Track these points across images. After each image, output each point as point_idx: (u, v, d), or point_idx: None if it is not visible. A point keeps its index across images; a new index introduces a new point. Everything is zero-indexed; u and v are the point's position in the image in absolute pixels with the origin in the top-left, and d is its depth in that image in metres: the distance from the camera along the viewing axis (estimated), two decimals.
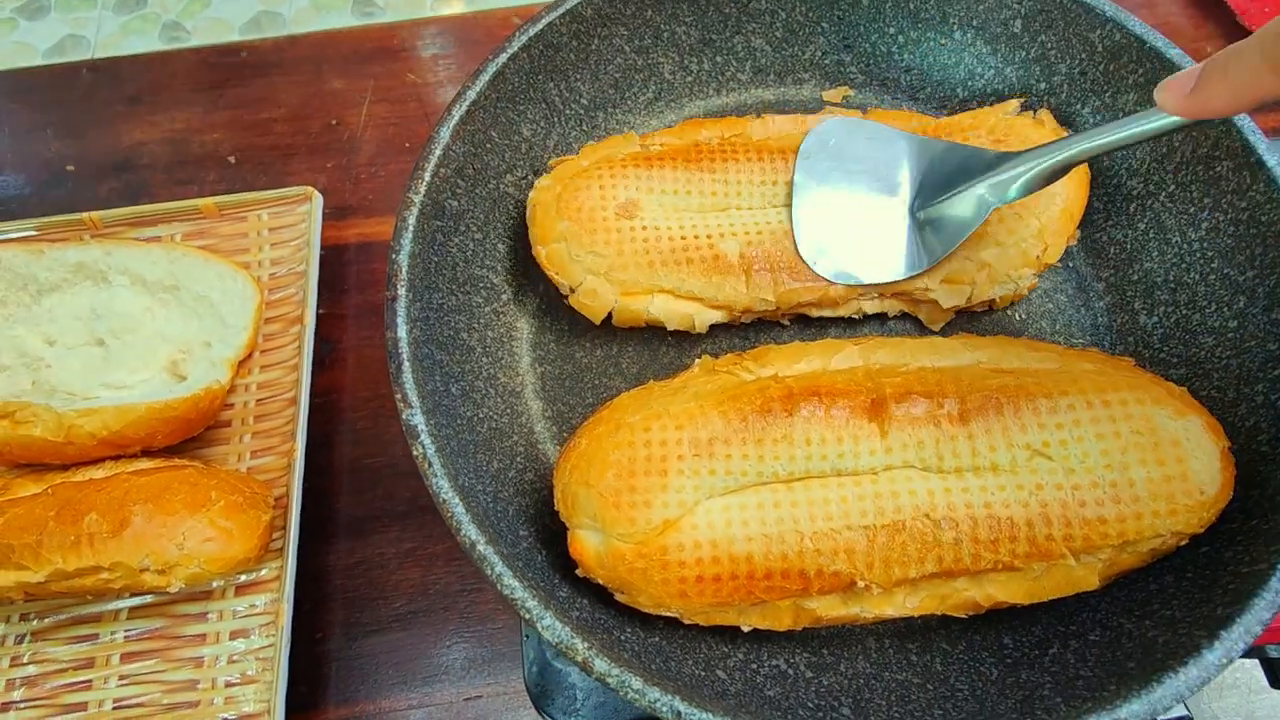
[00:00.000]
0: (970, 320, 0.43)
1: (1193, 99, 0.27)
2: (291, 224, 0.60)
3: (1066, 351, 0.36)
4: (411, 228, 0.34)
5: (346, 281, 0.61)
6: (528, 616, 0.27)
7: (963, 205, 0.38)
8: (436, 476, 0.29)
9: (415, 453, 0.30)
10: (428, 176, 0.35)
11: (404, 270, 0.33)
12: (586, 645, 0.27)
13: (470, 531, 0.28)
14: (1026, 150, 0.36)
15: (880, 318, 0.42)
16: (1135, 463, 0.31)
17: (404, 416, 0.30)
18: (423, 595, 0.50)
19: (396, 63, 0.70)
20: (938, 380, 0.34)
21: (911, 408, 0.33)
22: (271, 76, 0.69)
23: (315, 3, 1.48)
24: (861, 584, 0.32)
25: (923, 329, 0.43)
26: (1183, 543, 0.32)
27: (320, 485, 0.53)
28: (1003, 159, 0.37)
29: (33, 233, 0.59)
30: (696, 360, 0.38)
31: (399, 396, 0.31)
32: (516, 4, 1.58)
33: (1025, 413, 0.33)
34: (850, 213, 0.41)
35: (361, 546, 0.52)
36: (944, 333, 0.42)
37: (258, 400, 0.55)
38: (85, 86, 0.69)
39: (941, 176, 0.40)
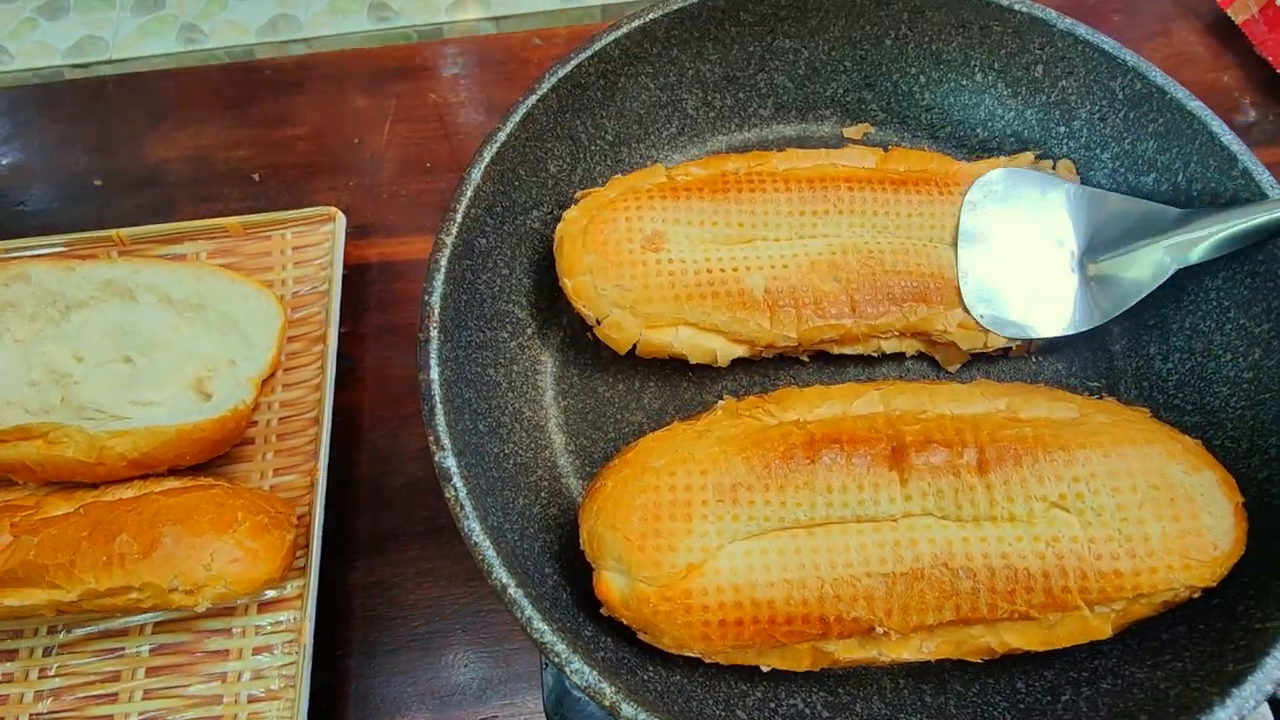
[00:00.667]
0: (986, 363, 0.43)
1: None
2: (315, 243, 0.61)
3: (1085, 402, 0.36)
4: (443, 269, 0.34)
5: (367, 300, 0.62)
6: (557, 660, 0.28)
7: (1139, 265, 0.38)
8: (468, 519, 0.30)
9: (448, 495, 0.30)
10: (459, 218, 0.36)
11: (436, 312, 0.33)
12: (614, 690, 0.28)
13: (501, 575, 0.29)
14: (1214, 210, 0.36)
15: (898, 357, 0.43)
16: (1151, 517, 0.32)
17: (436, 459, 0.31)
18: (439, 615, 0.51)
19: (418, 82, 0.71)
20: (957, 429, 0.35)
21: (931, 456, 0.33)
22: (295, 94, 0.70)
23: (332, 6, 1.49)
24: (880, 630, 0.32)
25: (939, 369, 0.43)
26: (1195, 595, 0.32)
27: (340, 503, 0.54)
28: (1188, 218, 0.37)
29: (62, 249, 0.60)
30: (720, 402, 0.38)
31: (432, 439, 0.31)
32: (532, 9, 1.58)
33: (1043, 464, 0.33)
34: (1017, 262, 0.41)
35: (380, 565, 0.53)
36: (960, 375, 0.42)
37: (280, 419, 0.56)
38: (111, 101, 0.70)
39: (1116, 231, 0.40)
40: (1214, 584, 0.32)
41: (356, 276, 0.62)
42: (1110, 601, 0.32)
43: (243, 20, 1.52)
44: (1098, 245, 0.40)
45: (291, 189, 0.66)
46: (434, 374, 0.32)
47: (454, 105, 0.69)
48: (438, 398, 0.32)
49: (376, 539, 0.54)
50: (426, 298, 0.34)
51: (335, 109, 0.69)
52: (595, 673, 0.28)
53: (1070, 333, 0.39)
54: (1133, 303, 0.38)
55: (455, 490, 0.30)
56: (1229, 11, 0.68)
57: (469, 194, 0.36)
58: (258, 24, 1.54)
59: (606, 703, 0.27)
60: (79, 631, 0.50)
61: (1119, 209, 0.40)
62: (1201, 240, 0.35)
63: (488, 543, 0.30)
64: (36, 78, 1.50)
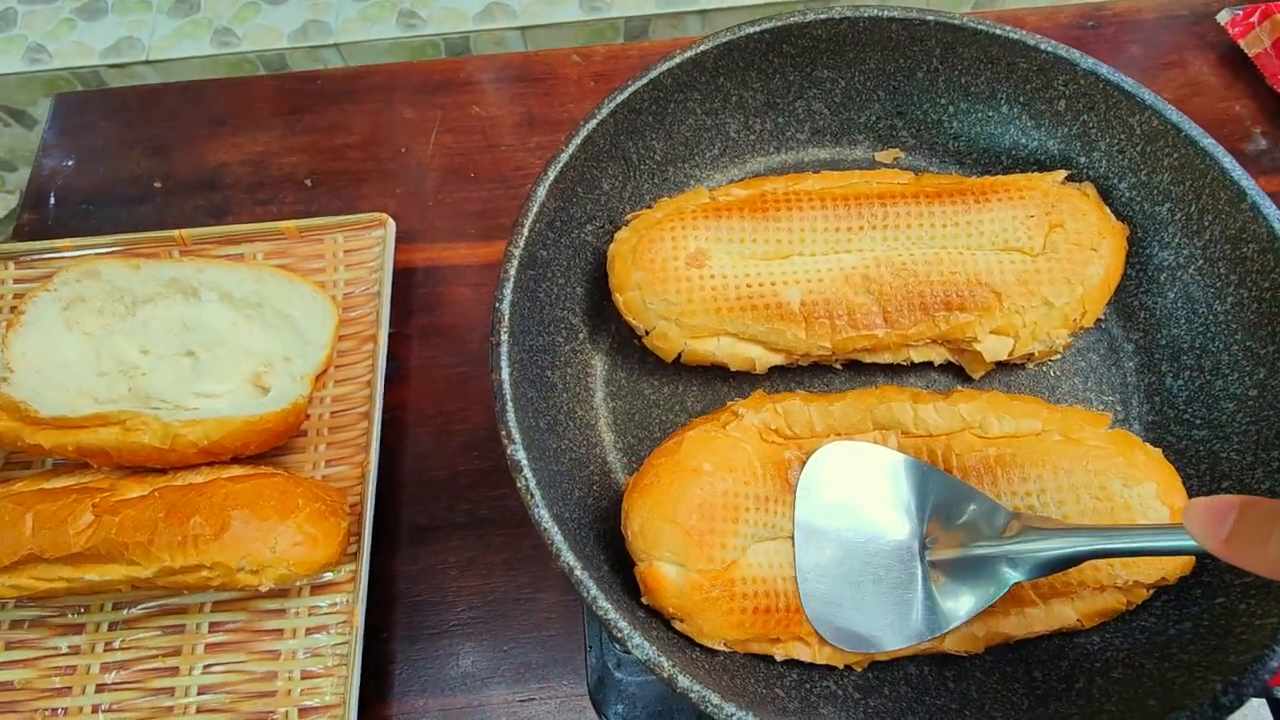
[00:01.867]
0: (1007, 372, 0.46)
1: (1228, 547, 0.25)
2: (366, 247, 0.64)
3: (1051, 414, 0.40)
4: (513, 279, 0.38)
5: (413, 303, 0.65)
6: (619, 635, 0.31)
7: (981, 570, 0.36)
8: (538, 506, 0.33)
9: (519, 485, 0.33)
10: (526, 231, 0.39)
11: (506, 318, 0.36)
12: (672, 663, 0.31)
13: (569, 558, 0.32)
14: (1044, 530, 0.34)
15: (926, 365, 0.46)
16: (1092, 524, 0.37)
17: (509, 452, 0.34)
18: (480, 602, 0.54)
19: (463, 95, 0.74)
20: (931, 449, 0.40)
21: None
22: (345, 104, 0.73)
23: (362, 13, 1.53)
24: None
25: (965, 377, 0.46)
26: (1149, 592, 0.37)
27: (386, 495, 0.57)
28: (1020, 535, 0.35)
29: (126, 247, 0.63)
30: (741, 411, 0.41)
31: (504, 433, 0.34)
32: (555, 20, 1.61)
33: (1001, 482, 0.38)
34: (856, 565, 0.37)
35: (425, 554, 0.56)
36: (980, 384, 0.45)
37: (332, 413, 0.59)
38: (172, 108, 0.74)
39: (950, 516, 0.37)
40: (1161, 580, 0.36)
41: (402, 279, 0.65)
42: (1063, 597, 0.37)
43: (275, 25, 1.56)
44: (938, 530, 0.38)
45: (341, 194, 0.70)
46: (505, 374, 0.36)
47: (496, 118, 0.73)
48: (509, 396, 0.35)
49: (420, 529, 0.57)
50: (498, 305, 0.37)
51: (384, 119, 0.73)
52: (655, 648, 0.31)
53: (923, 641, 0.36)
54: (983, 608, 0.35)
55: (526, 480, 0.34)
56: (1242, 44, 0.71)
57: (535, 209, 0.39)
58: (290, 29, 1.58)
59: (665, 674, 0.30)
60: (141, 609, 0.53)
61: (956, 496, 0.38)
62: (1035, 557, 0.34)
63: (555, 529, 0.33)
64: (75, 77, 1.55)
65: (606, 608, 0.31)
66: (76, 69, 1.48)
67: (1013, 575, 0.35)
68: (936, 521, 0.38)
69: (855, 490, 0.39)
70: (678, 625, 0.36)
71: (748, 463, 0.38)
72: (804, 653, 0.36)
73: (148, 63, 1.47)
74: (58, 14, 1.52)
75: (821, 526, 0.38)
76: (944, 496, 0.38)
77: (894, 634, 0.36)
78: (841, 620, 0.36)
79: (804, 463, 0.39)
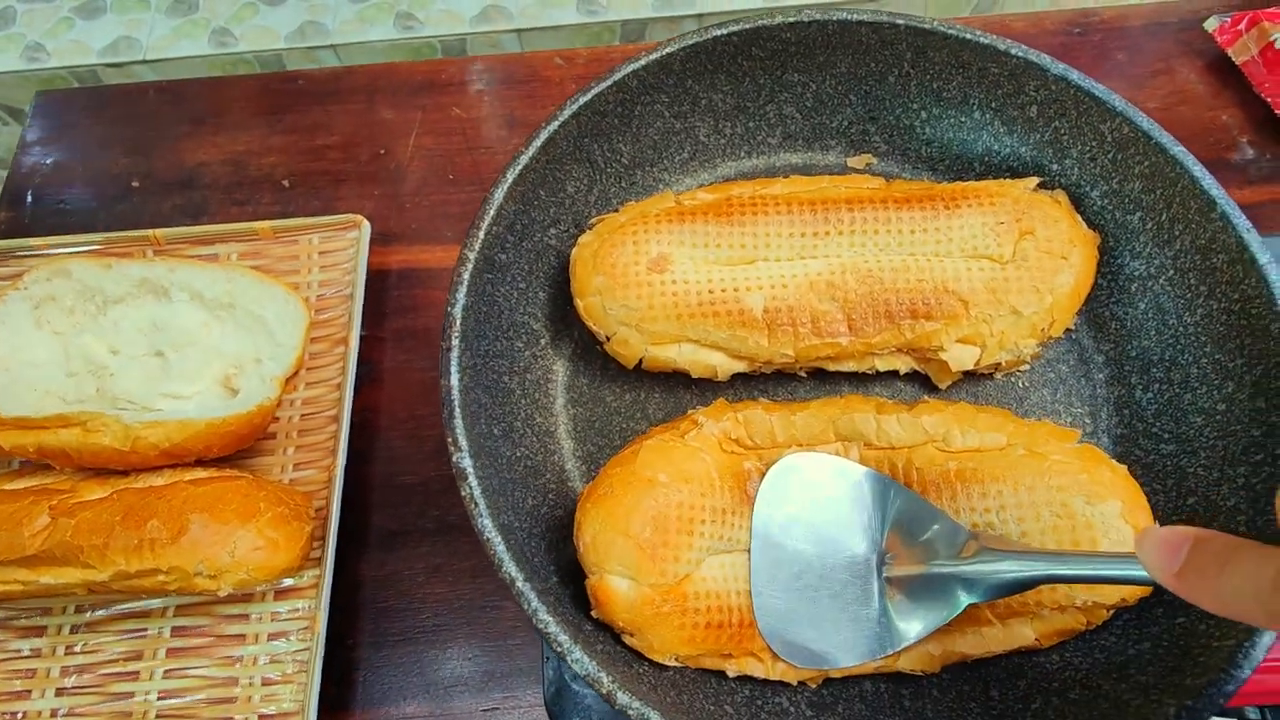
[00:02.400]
0: (975, 382, 0.45)
1: (1180, 582, 0.24)
2: (340, 249, 0.64)
3: (1018, 427, 0.39)
4: (466, 283, 0.37)
5: (387, 305, 0.65)
6: (559, 650, 0.30)
7: (936, 589, 0.35)
8: (481, 516, 0.33)
9: (463, 493, 0.33)
10: (482, 234, 0.38)
11: (458, 322, 0.36)
12: (611, 679, 0.30)
13: (510, 569, 0.32)
14: (999, 552, 0.34)
15: (891, 374, 0.45)
16: (1051, 543, 0.36)
17: (454, 459, 0.33)
18: (446, 610, 0.54)
19: (444, 96, 0.74)
20: (893, 462, 0.39)
21: None
22: (326, 105, 0.73)
23: (360, 15, 1.53)
24: None
25: (931, 387, 0.45)
26: (1109, 612, 0.36)
27: (355, 499, 0.57)
28: (976, 558, 0.34)
29: (100, 246, 0.63)
30: (701, 420, 0.40)
31: (450, 440, 0.34)
32: (553, 23, 1.61)
33: (960, 497, 0.38)
34: (812, 581, 0.37)
35: (392, 560, 0.55)
36: (947, 394, 0.45)
37: (301, 415, 0.59)
38: (152, 106, 0.73)
39: (911, 533, 0.37)
40: (1121, 601, 0.35)
41: (378, 282, 0.65)
42: (1022, 616, 0.36)
43: (273, 25, 1.57)
44: (897, 547, 0.37)
45: (319, 195, 0.69)
46: (454, 380, 0.35)
47: (477, 120, 0.72)
48: (456, 402, 0.34)
49: (388, 535, 0.56)
50: (449, 308, 0.36)
51: (364, 120, 0.72)
52: (595, 663, 0.30)
53: (875, 659, 0.36)
54: (936, 628, 0.35)
55: (470, 488, 0.33)
56: (1229, 52, 0.70)
57: (492, 212, 0.39)
58: (287, 30, 1.59)
59: (604, 690, 0.30)
60: (103, 612, 0.52)
61: (915, 513, 0.37)
62: (991, 579, 0.34)
63: (499, 539, 0.32)
64: (73, 76, 1.55)
65: (547, 620, 0.31)
66: (74, 68, 1.48)
67: (966, 597, 0.34)
68: (896, 537, 0.37)
69: (815, 503, 0.38)
70: (628, 640, 0.35)
71: (705, 474, 0.38)
72: (757, 669, 0.36)
73: (145, 62, 1.48)
74: (56, 12, 1.53)
75: (778, 539, 0.37)
76: (905, 512, 0.37)
77: (848, 651, 0.36)
78: (794, 635, 0.36)
79: (764, 473, 0.38)
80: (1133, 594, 0.35)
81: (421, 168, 0.70)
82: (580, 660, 0.30)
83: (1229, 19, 0.70)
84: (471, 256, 0.38)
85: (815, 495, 0.38)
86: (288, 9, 1.52)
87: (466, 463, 0.33)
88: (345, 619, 0.53)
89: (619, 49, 0.75)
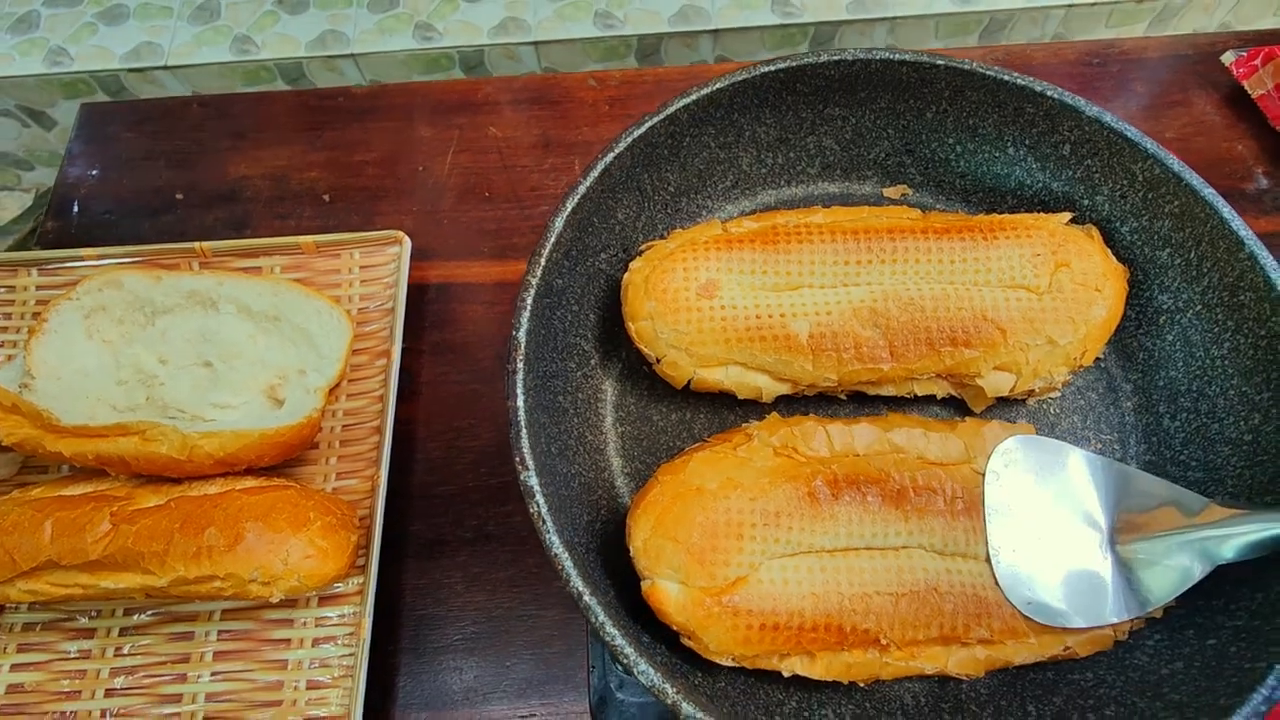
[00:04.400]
0: (1008, 407, 0.47)
1: None
2: (381, 263, 0.66)
3: None
4: (529, 307, 0.39)
5: (425, 319, 0.66)
6: (626, 662, 0.32)
7: (1179, 553, 0.37)
8: (549, 533, 0.34)
9: (531, 510, 0.34)
10: (544, 260, 0.40)
11: (523, 346, 0.38)
12: (675, 690, 0.31)
13: (578, 584, 0.33)
14: (1243, 512, 0.35)
15: (929, 397, 0.47)
16: None
17: (522, 478, 0.35)
18: (485, 618, 0.55)
19: (480, 115, 0.75)
20: (946, 478, 0.41)
21: (925, 500, 0.40)
22: (365, 122, 0.75)
23: (379, 26, 1.55)
24: (884, 641, 0.37)
25: (966, 411, 0.47)
26: (1140, 625, 0.38)
27: (394, 508, 0.58)
28: (1216, 513, 0.36)
29: (148, 257, 0.65)
30: (754, 433, 0.42)
31: (517, 459, 0.35)
32: (569, 36, 1.63)
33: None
34: (1048, 544, 0.39)
35: (431, 569, 0.57)
36: (979, 418, 0.46)
37: (344, 426, 0.60)
38: (195, 120, 0.75)
39: (1143, 511, 0.39)
40: (1149, 613, 0.37)
41: (415, 295, 0.67)
42: (1052, 630, 0.38)
43: (294, 34, 1.59)
44: (1125, 525, 0.39)
45: (359, 210, 0.71)
46: (520, 401, 0.37)
47: (512, 140, 0.74)
48: (523, 423, 0.36)
49: (428, 544, 0.58)
50: (515, 333, 0.38)
51: (402, 138, 0.74)
52: (660, 675, 0.32)
53: (1118, 621, 0.38)
54: (1180, 592, 0.37)
55: (538, 506, 0.35)
56: (1246, 85, 0.72)
57: (552, 239, 0.41)
58: (308, 38, 1.61)
59: (669, 701, 0.31)
60: (151, 615, 0.54)
61: (1144, 488, 0.39)
62: (1240, 537, 0.35)
63: (565, 554, 0.34)
64: (96, 80, 1.57)
65: (614, 634, 0.32)
66: (96, 73, 1.50)
67: (1221, 556, 0.35)
68: (1126, 512, 0.39)
69: (1042, 480, 0.40)
70: (685, 641, 0.37)
71: (755, 479, 0.39)
72: (807, 667, 0.37)
73: (166, 68, 1.50)
74: (79, 18, 1.55)
75: (1013, 508, 0.40)
76: (1133, 488, 0.39)
77: (1087, 613, 0.38)
78: (1037, 594, 0.38)
79: (831, 482, 0.40)
80: (1159, 608, 0.37)
81: (458, 185, 0.72)
82: (646, 672, 0.32)
83: (1246, 53, 0.72)
84: (534, 282, 0.39)
85: (1042, 473, 0.40)
86: (308, 18, 1.54)
87: (533, 481, 0.35)
88: (385, 626, 0.55)
89: (650, 72, 0.77)
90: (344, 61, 1.52)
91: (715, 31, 1.48)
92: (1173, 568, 0.37)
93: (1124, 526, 0.39)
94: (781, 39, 1.50)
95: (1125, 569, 0.38)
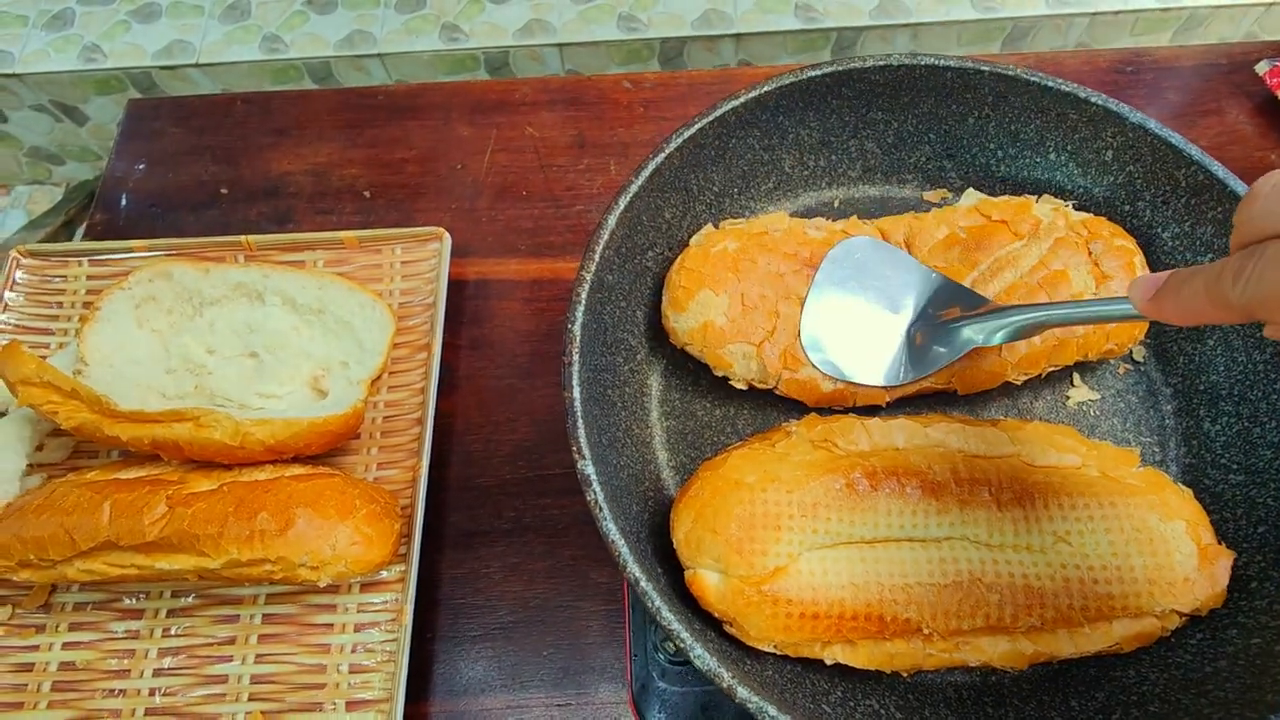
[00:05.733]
0: (1050, 410, 0.48)
1: (1151, 304, 0.31)
2: (422, 259, 0.67)
3: (1087, 449, 0.43)
4: (584, 301, 0.40)
5: (463, 315, 0.68)
6: (682, 645, 0.33)
7: (950, 338, 0.45)
8: (606, 520, 0.35)
9: (589, 498, 0.35)
10: (597, 256, 0.41)
11: (577, 339, 0.39)
12: (730, 675, 0.32)
13: (635, 570, 0.34)
14: (1009, 306, 0.43)
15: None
16: (1134, 553, 0.39)
17: (579, 466, 0.36)
18: (523, 608, 0.56)
19: (517, 115, 0.77)
20: (986, 470, 0.42)
21: (968, 492, 0.41)
22: (405, 120, 0.77)
23: (406, 26, 1.57)
24: (926, 630, 0.38)
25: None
26: (1183, 619, 0.39)
27: (433, 499, 0.59)
28: (990, 309, 0.44)
29: (195, 250, 0.66)
30: (793, 430, 0.43)
31: (575, 448, 0.36)
32: (593, 38, 1.64)
33: (1052, 506, 0.41)
34: (854, 317, 0.47)
35: (469, 559, 0.58)
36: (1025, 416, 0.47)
37: (385, 418, 0.61)
38: (239, 117, 0.77)
39: (939, 307, 0.46)
40: (1195, 609, 0.39)
41: (454, 291, 0.68)
42: (1106, 619, 0.39)
43: (323, 34, 1.61)
44: (925, 317, 0.47)
45: (398, 207, 0.72)
46: (576, 393, 0.38)
47: (549, 140, 0.75)
48: (579, 413, 0.37)
49: (466, 534, 0.59)
50: (570, 325, 0.39)
51: (441, 136, 0.76)
52: (715, 659, 0.33)
53: (884, 384, 0.46)
54: (936, 368, 0.45)
55: (595, 494, 0.36)
56: (1279, 95, 0.72)
57: (605, 236, 0.42)
58: (336, 38, 1.63)
59: (724, 685, 0.32)
60: (196, 598, 0.55)
61: (944, 288, 0.47)
62: (1000, 328, 0.43)
63: (623, 541, 0.35)
64: (128, 77, 1.60)
65: (670, 618, 0.33)
66: (129, 69, 1.53)
67: (974, 339, 0.43)
68: (928, 311, 0.46)
69: (871, 273, 0.47)
70: (728, 629, 0.38)
71: (793, 473, 0.40)
72: (849, 655, 0.38)
73: (197, 66, 1.52)
74: (113, 15, 1.57)
75: (831, 290, 0.47)
76: (938, 288, 0.46)
77: (869, 374, 0.46)
78: (830, 354, 0.46)
79: (870, 474, 0.40)
80: (1207, 604, 0.38)
81: (496, 183, 0.73)
82: (702, 656, 0.33)
83: (1279, 63, 0.72)
84: (588, 277, 0.40)
85: (873, 267, 0.47)
86: (337, 18, 1.57)
87: (590, 470, 0.36)
88: (424, 614, 0.56)
89: (684, 75, 0.78)
90: (371, 61, 1.55)
91: (738, 35, 1.49)
92: (942, 350, 0.45)
93: (922, 318, 0.47)
94: (803, 44, 1.50)
95: (910, 348, 0.46)
